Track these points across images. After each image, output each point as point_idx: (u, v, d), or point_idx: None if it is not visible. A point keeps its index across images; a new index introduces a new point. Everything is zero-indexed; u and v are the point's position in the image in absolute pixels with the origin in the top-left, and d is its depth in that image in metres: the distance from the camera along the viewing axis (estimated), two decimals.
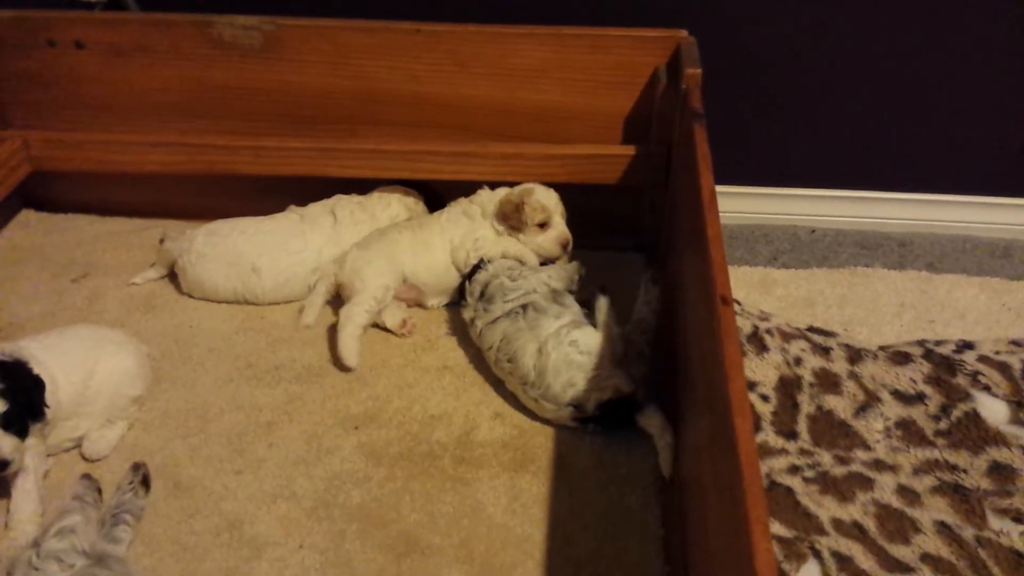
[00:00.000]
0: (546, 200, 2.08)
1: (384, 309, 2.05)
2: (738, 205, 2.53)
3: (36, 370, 1.58)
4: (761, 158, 2.50)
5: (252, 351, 2.00)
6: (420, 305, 2.14)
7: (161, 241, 2.20)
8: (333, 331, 2.01)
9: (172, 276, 2.20)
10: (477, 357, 1.98)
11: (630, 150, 2.14)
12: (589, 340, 1.75)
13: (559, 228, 2.09)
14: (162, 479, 1.69)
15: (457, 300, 2.05)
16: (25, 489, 1.59)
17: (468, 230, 2.09)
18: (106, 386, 1.72)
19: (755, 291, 2.27)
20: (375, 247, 2.08)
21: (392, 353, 2.01)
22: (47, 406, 1.59)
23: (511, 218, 2.07)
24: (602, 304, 1.78)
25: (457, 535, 1.60)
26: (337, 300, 2.09)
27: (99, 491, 1.60)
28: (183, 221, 2.32)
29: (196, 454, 1.75)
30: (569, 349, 1.74)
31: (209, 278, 2.10)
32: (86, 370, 1.69)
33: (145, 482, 1.64)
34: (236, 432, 1.80)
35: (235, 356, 1.99)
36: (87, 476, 1.63)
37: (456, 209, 2.15)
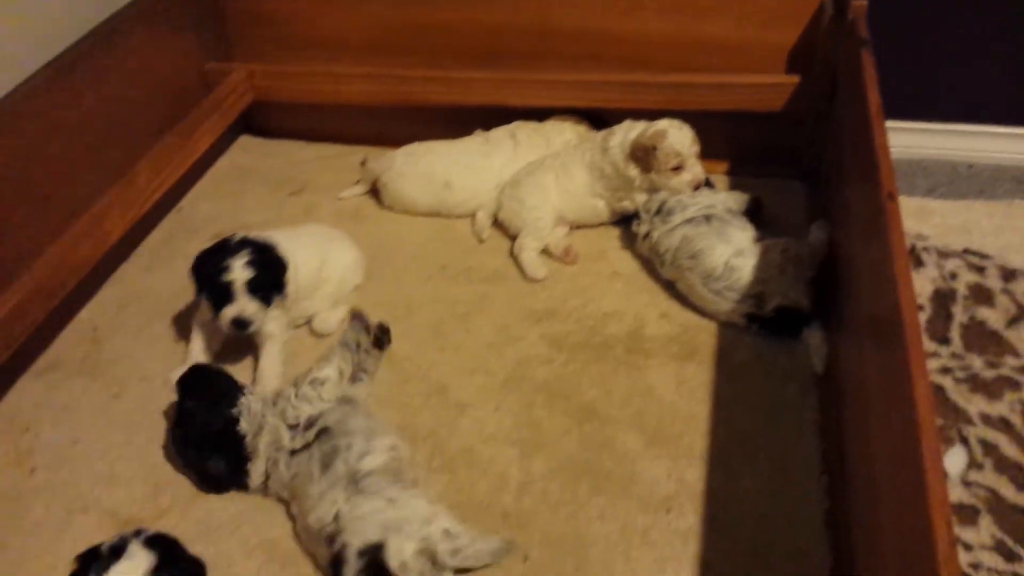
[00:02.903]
0: (679, 145, 2.10)
1: (549, 236, 2.26)
2: (896, 140, 2.57)
3: (281, 254, 1.90)
4: (920, 93, 2.57)
5: (446, 256, 2.28)
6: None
7: (363, 163, 2.51)
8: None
9: (373, 193, 2.50)
10: (645, 267, 2.18)
11: (795, 79, 2.27)
12: (779, 253, 1.92)
13: (693, 171, 2.12)
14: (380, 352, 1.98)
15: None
16: (271, 352, 1.92)
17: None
18: (334, 274, 2.04)
19: (912, 219, 2.37)
20: (524, 187, 2.27)
21: None
22: (288, 284, 1.91)
23: (643, 160, 2.14)
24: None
25: (630, 409, 1.82)
26: None
27: (367, 329, 1.89)
28: (380, 147, 2.60)
29: (405, 336, 2.04)
30: (766, 254, 1.91)
31: (407, 193, 2.39)
32: (319, 259, 2.01)
33: (378, 342, 1.91)
34: (436, 320, 2.08)
35: (432, 260, 2.27)
36: (357, 313, 1.93)
37: (592, 149, 2.25)
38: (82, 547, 1.61)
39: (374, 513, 1.45)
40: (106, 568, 1.35)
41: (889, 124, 2.53)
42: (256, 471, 1.63)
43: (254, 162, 2.71)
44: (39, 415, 1.91)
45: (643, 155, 2.12)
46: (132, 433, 1.84)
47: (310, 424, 1.62)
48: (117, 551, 1.37)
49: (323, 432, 1.60)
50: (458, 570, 1.47)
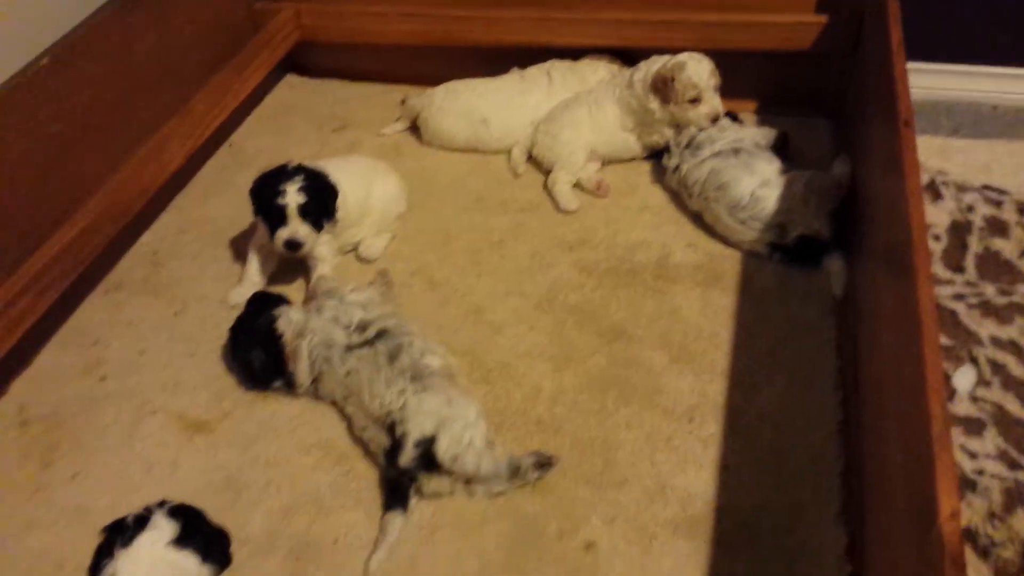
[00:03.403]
0: (697, 77, 2.18)
1: (581, 171, 2.37)
2: (922, 81, 2.66)
3: (332, 182, 2.02)
4: (946, 35, 2.61)
5: (483, 188, 2.40)
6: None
7: (403, 101, 2.62)
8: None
9: (413, 129, 2.61)
10: (674, 200, 2.28)
11: (823, 19, 2.33)
12: (803, 184, 2.02)
13: (710, 103, 2.20)
14: (419, 277, 2.11)
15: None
16: (322, 273, 2.05)
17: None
18: (379, 202, 2.17)
19: (934, 157, 2.44)
20: (558, 124, 2.37)
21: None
22: (337, 210, 2.03)
23: (662, 92, 2.22)
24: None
25: (657, 329, 1.94)
26: None
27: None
28: (420, 86, 2.69)
29: (444, 262, 2.16)
30: (790, 186, 2.01)
31: (446, 129, 2.50)
32: (366, 188, 2.13)
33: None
34: (474, 247, 2.20)
35: (469, 192, 2.39)
36: (383, 272, 2.06)
37: (620, 84, 2.34)
38: (152, 446, 1.79)
39: (435, 410, 1.60)
40: (131, 539, 1.37)
41: (915, 65, 2.60)
42: (301, 371, 1.78)
43: (299, 100, 2.83)
44: (106, 330, 2.06)
45: (662, 87, 2.21)
46: (194, 346, 1.99)
47: (363, 326, 1.77)
48: (142, 522, 1.40)
49: (383, 332, 1.75)
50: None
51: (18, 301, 1.86)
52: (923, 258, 1.33)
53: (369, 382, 1.69)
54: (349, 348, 1.75)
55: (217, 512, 1.62)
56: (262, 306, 1.88)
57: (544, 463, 1.64)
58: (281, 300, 1.91)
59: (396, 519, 1.57)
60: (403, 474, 1.59)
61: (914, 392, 1.16)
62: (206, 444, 1.78)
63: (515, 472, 1.61)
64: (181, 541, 1.38)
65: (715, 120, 2.22)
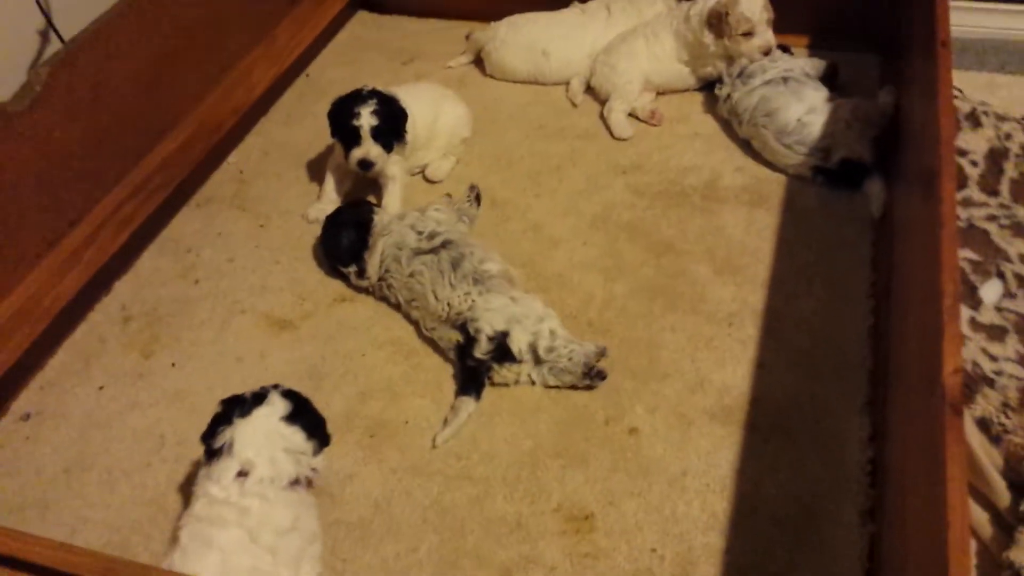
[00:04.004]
0: (749, 11, 2.29)
1: (636, 100, 2.49)
2: (972, 20, 2.72)
3: (403, 106, 2.19)
4: None
5: (542, 117, 2.54)
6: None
7: (467, 36, 2.77)
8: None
9: (478, 63, 2.76)
10: (725, 128, 2.40)
11: None
12: (848, 111, 2.12)
13: (763, 37, 2.31)
14: (483, 197, 2.27)
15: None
16: (392, 191, 2.23)
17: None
18: (446, 126, 2.33)
19: (980, 91, 2.50)
20: (615, 55, 2.49)
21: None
22: (407, 132, 2.20)
23: (716, 27, 2.34)
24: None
25: (703, 244, 2.08)
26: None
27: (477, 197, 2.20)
28: (483, 22, 2.82)
29: (505, 183, 2.32)
30: (836, 112, 2.12)
31: (509, 60, 2.64)
32: (434, 112, 2.30)
33: (478, 199, 2.21)
34: (533, 171, 2.36)
35: (529, 120, 2.54)
36: (448, 195, 2.22)
37: (677, 17, 2.45)
38: (242, 340, 2.00)
39: (502, 307, 1.79)
40: (249, 411, 1.49)
41: (965, 4, 2.68)
42: (372, 264, 1.98)
43: (370, 35, 2.99)
44: (199, 239, 2.27)
45: (717, 21, 2.33)
46: (278, 254, 2.20)
47: (433, 236, 1.94)
48: (259, 398, 1.51)
49: (447, 243, 1.93)
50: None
51: (123, 208, 2.08)
52: (949, 166, 1.45)
53: (432, 284, 1.87)
54: (417, 252, 1.93)
55: None
56: (359, 204, 2.12)
57: (599, 371, 1.79)
58: (372, 206, 2.14)
59: (468, 403, 1.76)
60: (480, 364, 1.78)
61: (931, 276, 1.29)
62: (290, 339, 1.99)
63: (588, 371, 1.77)
64: (292, 418, 1.50)
65: (767, 53, 2.33)
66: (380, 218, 2.03)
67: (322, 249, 2.12)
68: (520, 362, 1.78)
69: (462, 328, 1.81)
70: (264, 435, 1.47)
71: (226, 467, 1.44)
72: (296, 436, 1.50)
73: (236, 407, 1.50)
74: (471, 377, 1.79)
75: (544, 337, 1.77)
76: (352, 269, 2.03)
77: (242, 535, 1.38)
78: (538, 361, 1.79)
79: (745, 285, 1.97)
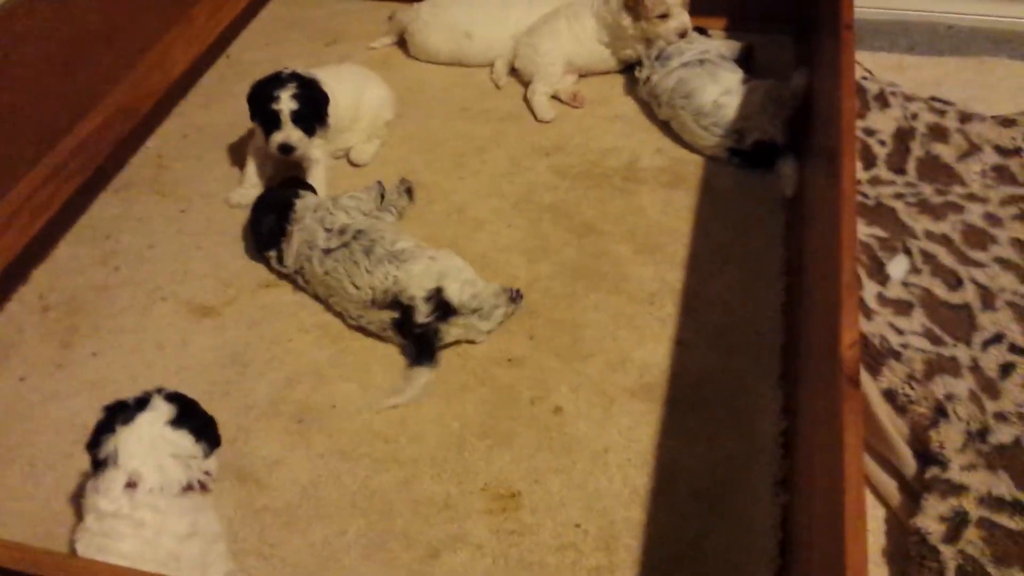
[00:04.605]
0: None
1: (559, 83, 2.52)
2: (883, 1, 2.83)
3: (324, 89, 2.17)
4: None
5: (466, 99, 2.56)
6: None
7: (390, 17, 2.76)
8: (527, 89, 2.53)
9: (401, 44, 2.76)
10: (644, 110, 2.45)
11: None
12: (762, 93, 2.19)
13: (679, 19, 2.36)
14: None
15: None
16: (316, 175, 2.22)
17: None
18: (369, 109, 2.32)
19: (889, 72, 2.60)
20: (538, 35, 2.52)
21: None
22: (329, 116, 2.18)
23: (633, 9, 2.39)
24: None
25: (623, 225, 2.13)
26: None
27: (382, 195, 2.16)
28: (406, 2, 2.81)
29: (429, 166, 2.33)
30: (750, 94, 2.18)
31: (432, 42, 2.64)
32: (356, 95, 2.29)
33: (409, 192, 2.19)
34: (457, 152, 2.37)
35: (453, 102, 2.55)
36: (379, 182, 2.18)
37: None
38: (164, 328, 1.98)
39: (425, 269, 1.83)
40: (132, 417, 1.43)
41: None
42: (290, 252, 1.97)
43: (292, 15, 2.96)
44: (118, 225, 2.23)
45: (634, 4, 2.37)
46: (200, 239, 2.17)
47: (343, 231, 1.93)
48: (142, 403, 1.45)
49: (358, 233, 1.92)
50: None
51: (38, 193, 2.03)
52: (849, 143, 1.51)
53: (350, 276, 1.87)
54: (327, 251, 1.91)
55: (225, 384, 1.84)
56: (297, 187, 2.10)
57: (517, 291, 1.93)
58: (306, 186, 2.13)
59: (424, 372, 1.80)
60: (426, 329, 1.81)
61: (832, 253, 1.35)
62: (213, 326, 1.97)
63: (511, 297, 1.90)
64: (178, 422, 1.45)
65: (683, 35, 2.37)
66: (302, 203, 2.01)
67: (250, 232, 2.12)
68: (461, 314, 1.82)
69: (393, 304, 1.83)
70: (149, 442, 1.42)
71: (113, 479, 1.39)
72: (184, 440, 1.45)
73: (119, 414, 1.45)
74: (422, 345, 1.82)
75: (469, 285, 1.84)
76: (272, 254, 2.02)
77: (141, 545, 1.35)
78: (471, 311, 1.84)
79: (664, 264, 2.02)
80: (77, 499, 1.63)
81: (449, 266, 1.84)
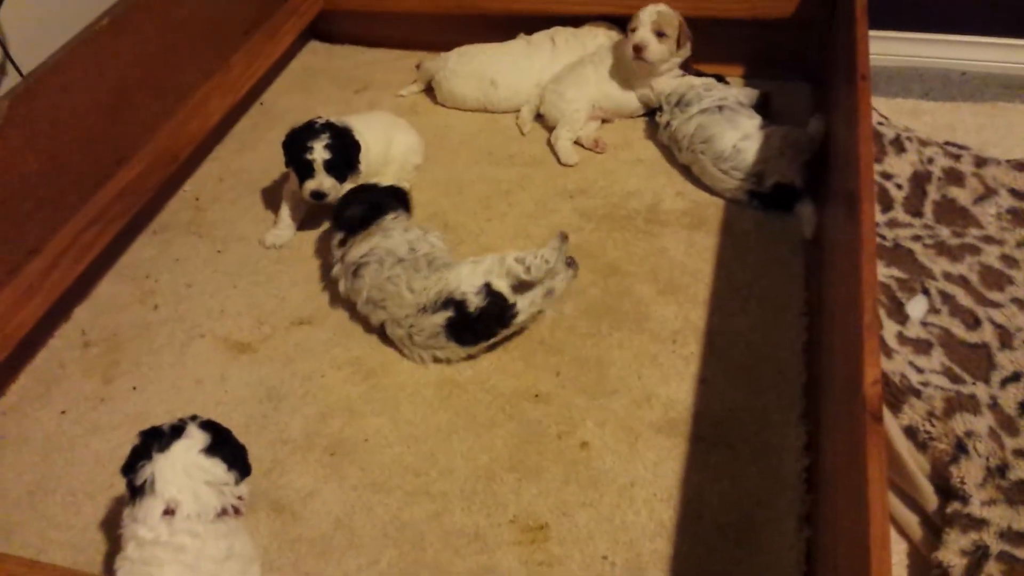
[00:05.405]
0: (643, 12, 2.44)
1: (582, 129, 2.60)
2: (897, 48, 2.89)
3: (356, 137, 2.26)
4: (920, 5, 2.84)
5: (492, 144, 2.64)
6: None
7: (418, 65, 2.86)
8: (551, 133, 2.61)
9: (428, 91, 2.85)
10: (665, 155, 2.52)
11: None
12: (780, 138, 2.26)
13: (638, 35, 2.43)
14: (435, 222, 2.35)
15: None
16: None
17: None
18: (398, 154, 2.41)
19: (904, 117, 2.67)
20: (565, 82, 2.61)
21: None
22: (360, 163, 2.27)
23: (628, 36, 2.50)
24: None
25: (647, 266, 2.18)
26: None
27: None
28: (433, 52, 2.92)
29: (457, 208, 2.40)
30: (768, 139, 2.25)
31: (459, 89, 2.73)
32: (386, 141, 2.37)
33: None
34: (484, 195, 2.44)
35: (479, 147, 2.63)
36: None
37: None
38: (202, 364, 2.04)
39: (471, 270, 1.95)
40: (168, 445, 1.48)
41: (891, 34, 2.85)
42: (358, 248, 2.05)
43: (322, 64, 3.06)
44: (156, 265, 2.31)
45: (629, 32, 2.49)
46: (236, 278, 2.25)
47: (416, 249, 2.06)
48: (177, 431, 1.50)
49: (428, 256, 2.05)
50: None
51: (82, 236, 2.12)
52: (868, 188, 1.57)
53: (408, 281, 1.96)
54: (399, 260, 2.01)
55: (261, 418, 1.90)
56: (398, 198, 2.17)
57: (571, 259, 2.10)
58: (407, 208, 2.20)
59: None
60: (488, 310, 1.92)
61: (852, 293, 1.40)
62: (250, 362, 2.04)
63: (568, 262, 2.07)
64: (211, 450, 1.50)
65: (637, 51, 2.44)
66: (395, 220, 2.10)
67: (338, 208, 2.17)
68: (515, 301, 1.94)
69: (446, 304, 1.92)
70: (184, 470, 1.46)
71: (151, 507, 1.44)
72: (216, 468, 1.50)
73: (155, 441, 1.49)
74: (496, 315, 1.94)
75: (515, 265, 1.94)
76: (340, 237, 2.10)
77: (182, 570, 1.39)
78: (528, 287, 1.96)
79: (687, 304, 2.07)
80: (116, 528, 1.69)
81: (489, 264, 1.97)
